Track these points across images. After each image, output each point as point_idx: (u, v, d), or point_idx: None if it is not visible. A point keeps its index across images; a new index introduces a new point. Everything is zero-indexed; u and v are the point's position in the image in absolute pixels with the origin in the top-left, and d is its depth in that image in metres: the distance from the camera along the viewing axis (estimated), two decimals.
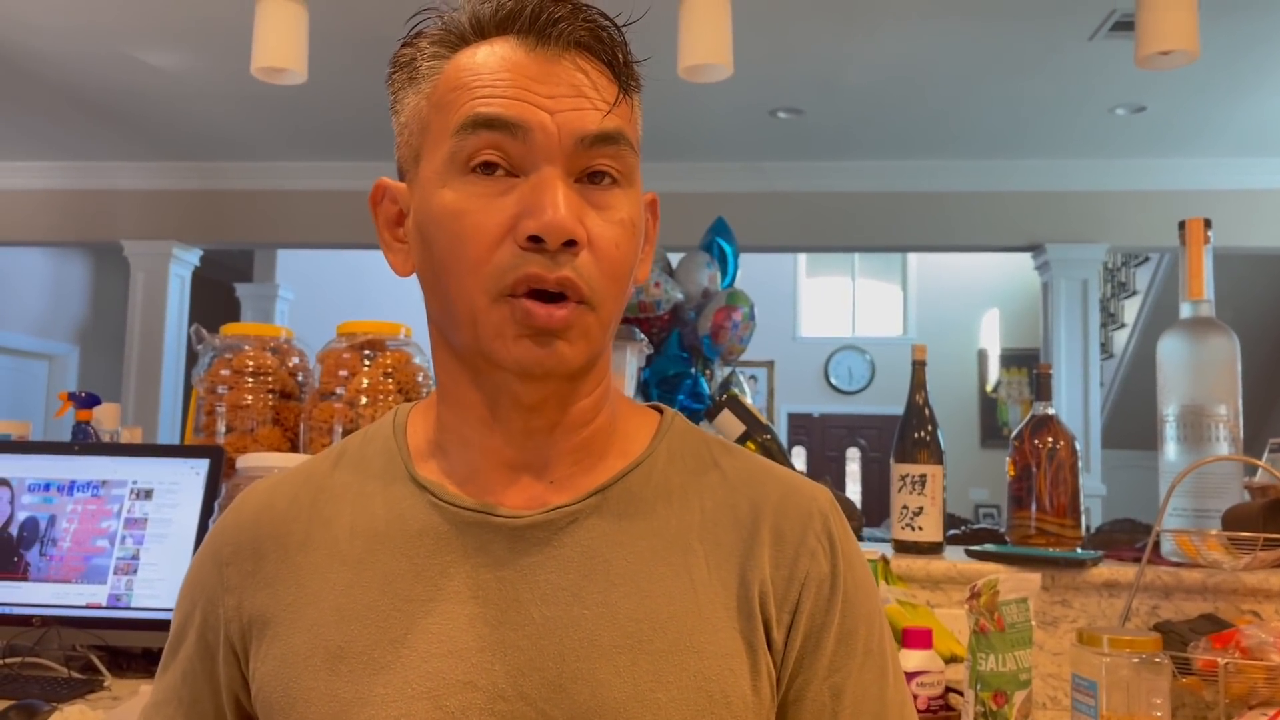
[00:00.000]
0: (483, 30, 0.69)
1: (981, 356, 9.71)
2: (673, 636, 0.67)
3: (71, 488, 1.58)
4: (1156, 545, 1.56)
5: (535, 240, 0.65)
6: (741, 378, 3.90)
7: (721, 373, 3.70)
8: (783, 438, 9.91)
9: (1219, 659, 1.26)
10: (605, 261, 0.67)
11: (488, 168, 0.66)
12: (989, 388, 9.64)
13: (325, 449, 0.82)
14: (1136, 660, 1.20)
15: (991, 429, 9.49)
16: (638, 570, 0.69)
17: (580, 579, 0.69)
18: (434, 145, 0.69)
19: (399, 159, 0.74)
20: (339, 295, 7.40)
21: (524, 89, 0.66)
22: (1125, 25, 4.08)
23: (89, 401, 1.85)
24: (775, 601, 0.70)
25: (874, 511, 8.71)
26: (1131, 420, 7.18)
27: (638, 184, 0.72)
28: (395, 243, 0.74)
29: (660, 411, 0.79)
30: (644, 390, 3.50)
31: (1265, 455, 1.68)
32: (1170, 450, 1.62)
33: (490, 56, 0.68)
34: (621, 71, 0.70)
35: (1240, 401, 1.60)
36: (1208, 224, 1.65)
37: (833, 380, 9.90)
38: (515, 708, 0.65)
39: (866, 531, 2.53)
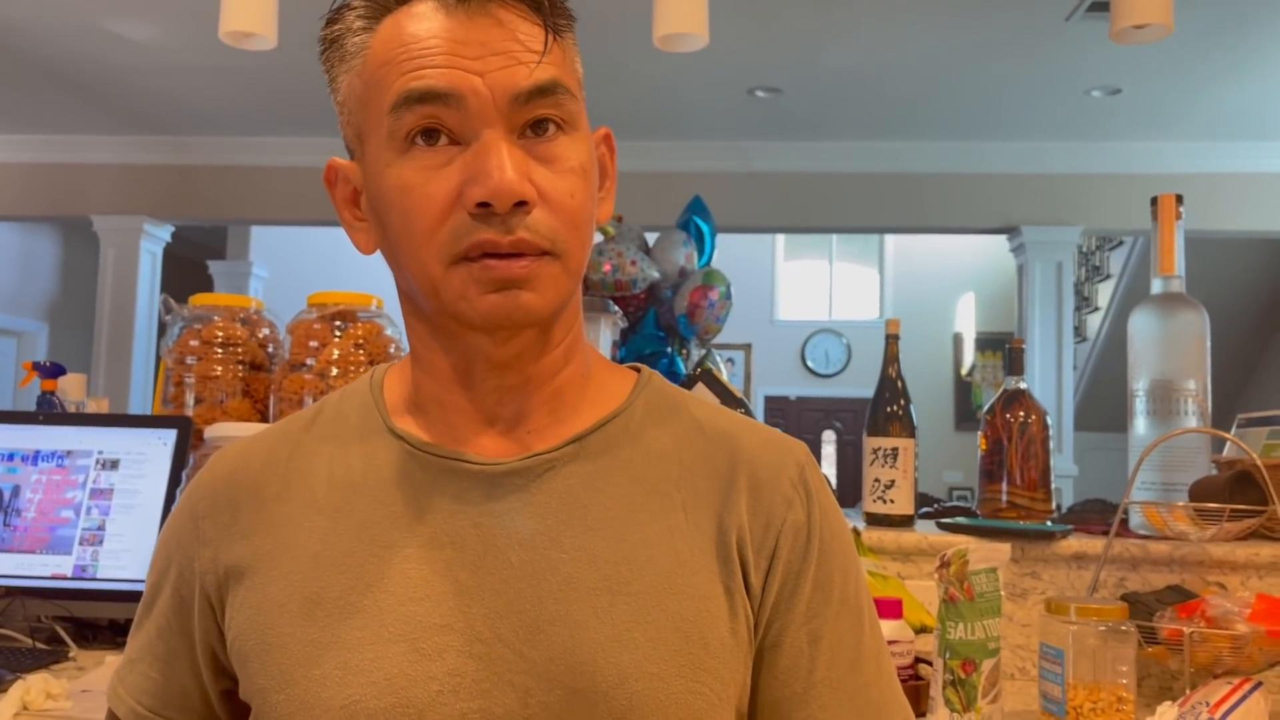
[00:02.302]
0: None
1: (957, 340, 9.77)
2: (651, 579, 0.68)
3: (36, 458, 1.55)
4: (1125, 518, 1.58)
5: (484, 206, 0.64)
6: (717, 357, 3.90)
7: (698, 353, 3.70)
8: (759, 420, 9.97)
9: (1184, 628, 1.27)
10: (561, 212, 0.67)
11: (429, 135, 0.66)
12: (964, 371, 9.70)
13: (303, 409, 0.82)
14: (1103, 629, 1.21)
15: (966, 412, 9.56)
16: (615, 515, 0.70)
17: (558, 524, 0.69)
18: (373, 124, 0.68)
19: (345, 137, 0.73)
20: (313, 273, 7.34)
21: (451, 54, 0.65)
22: (1101, 6, 4.09)
23: (54, 371, 1.82)
24: (753, 547, 0.71)
25: (849, 493, 8.75)
26: (1104, 402, 7.26)
27: (584, 126, 0.71)
28: (356, 221, 0.74)
29: (638, 370, 0.80)
30: None
31: (1233, 430, 1.69)
32: (1140, 424, 1.63)
33: (413, 24, 0.67)
34: (548, 14, 0.68)
35: (1209, 377, 1.62)
36: (1179, 200, 1.66)
37: (809, 363, 9.94)
38: (493, 649, 0.66)
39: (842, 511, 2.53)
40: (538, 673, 0.65)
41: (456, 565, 0.68)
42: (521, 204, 0.65)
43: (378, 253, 0.74)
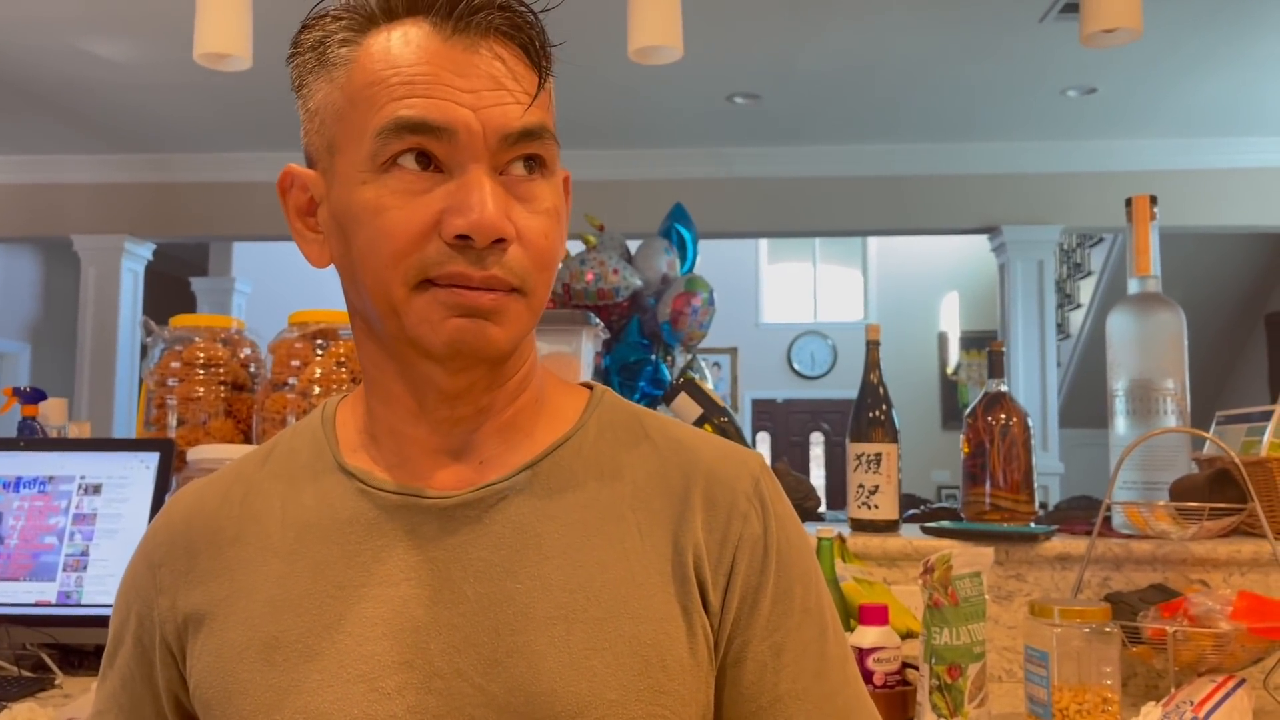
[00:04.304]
0: (392, 12, 0.68)
1: (942, 339, 9.80)
2: (607, 604, 0.68)
3: (18, 484, 1.55)
4: (1108, 518, 1.59)
5: (463, 238, 0.64)
6: (702, 363, 3.90)
7: (683, 359, 3.70)
8: (747, 423, 9.92)
9: (1167, 627, 1.28)
10: (534, 251, 0.67)
11: (423, 158, 0.65)
12: (949, 370, 9.74)
13: (257, 446, 0.81)
14: (1087, 630, 1.22)
15: (952, 411, 9.59)
16: (570, 542, 0.69)
17: (512, 554, 0.69)
18: (351, 141, 0.67)
19: (307, 145, 0.72)
20: (297, 288, 7.30)
21: (445, 84, 0.65)
22: (1074, 7, 4.12)
23: (34, 396, 1.81)
24: (710, 565, 0.71)
25: (838, 494, 8.76)
26: (1088, 399, 7.28)
27: (557, 171, 0.71)
28: (309, 233, 0.73)
29: (590, 388, 0.80)
30: (605, 378, 3.49)
31: (1212, 428, 1.71)
32: (1120, 424, 1.64)
33: (405, 46, 0.66)
34: (539, 57, 0.69)
35: (1187, 375, 1.63)
36: (1154, 201, 1.67)
37: (796, 365, 9.96)
38: (452, 684, 0.65)
39: (829, 514, 2.54)
40: (498, 705, 0.65)
41: (413, 602, 0.68)
42: (499, 241, 0.65)
43: (324, 269, 0.73)
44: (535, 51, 0.68)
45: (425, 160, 0.66)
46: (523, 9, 0.68)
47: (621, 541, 0.70)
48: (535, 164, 0.68)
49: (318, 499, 0.73)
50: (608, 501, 0.71)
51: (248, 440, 1.80)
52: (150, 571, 0.75)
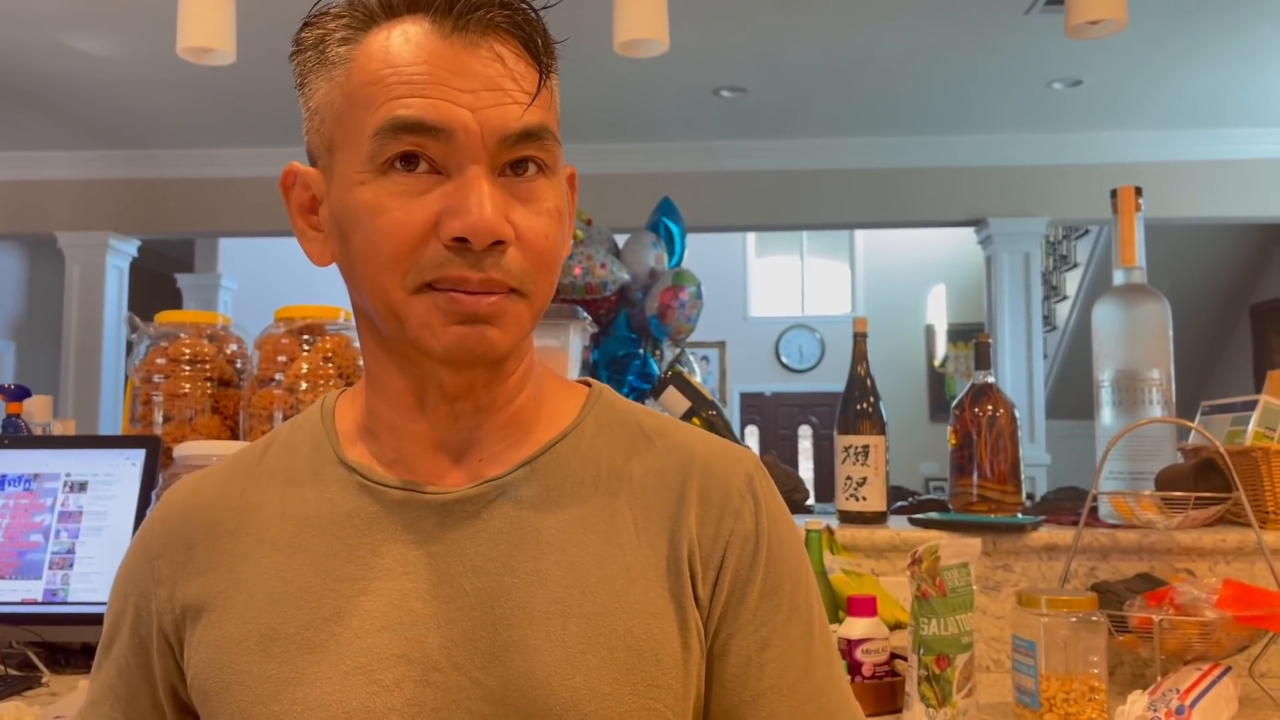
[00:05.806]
0: (393, 9, 0.67)
1: (929, 332, 9.83)
2: (602, 599, 0.68)
3: (2, 482, 1.54)
4: (1094, 508, 1.59)
5: (461, 240, 0.64)
6: (690, 357, 3.91)
7: (671, 353, 3.70)
8: (735, 417, 9.93)
9: (1154, 616, 1.29)
10: (534, 253, 0.67)
11: (409, 160, 0.65)
12: (937, 362, 9.76)
13: (256, 439, 0.81)
14: (1074, 620, 1.23)
15: (940, 403, 9.62)
16: (567, 538, 0.70)
17: (510, 549, 0.69)
18: (350, 140, 0.67)
19: (309, 144, 0.72)
20: (284, 284, 7.27)
21: (443, 84, 0.64)
22: (1058, 0, 4.13)
23: (18, 394, 1.80)
24: (701, 558, 0.71)
25: (826, 487, 8.79)
26: (1075, 390, 7.32)
27: (560, 169, 0.71)
28: (311, 230, 0.73)
29: (589, 385, 0.80)
30: (593, 372, 3.49)
31: (1197, 418, 1.72)
32: (1106, 415, 1.65)
33: (404, 45, 0.65)
34: (541, 55, 0.68)
35: (1172, 366, 1.64)
36: (1138, 192, 1.68)
37: (784, 359, 9.97)
38: (449, 678, 0.66)
39: (817, 506, 2.54)
40: (494, 699, 0.65)
41: (412, 595, 0.68)
42: (498, 243, 0.65)
43: (326, 268, 0.74)
44: (536, 49, 0.68)
45: (416, 161, 0.65)
46: (524, 6, 0.67)
47: (618, 538, 0.70)
48: (535, 164, 0.68)
49: (317, 493, 0.73)
50: (605, 498, 0.72)
51: (234, 436, 1.79)
52: (148, 563, 0.75)
